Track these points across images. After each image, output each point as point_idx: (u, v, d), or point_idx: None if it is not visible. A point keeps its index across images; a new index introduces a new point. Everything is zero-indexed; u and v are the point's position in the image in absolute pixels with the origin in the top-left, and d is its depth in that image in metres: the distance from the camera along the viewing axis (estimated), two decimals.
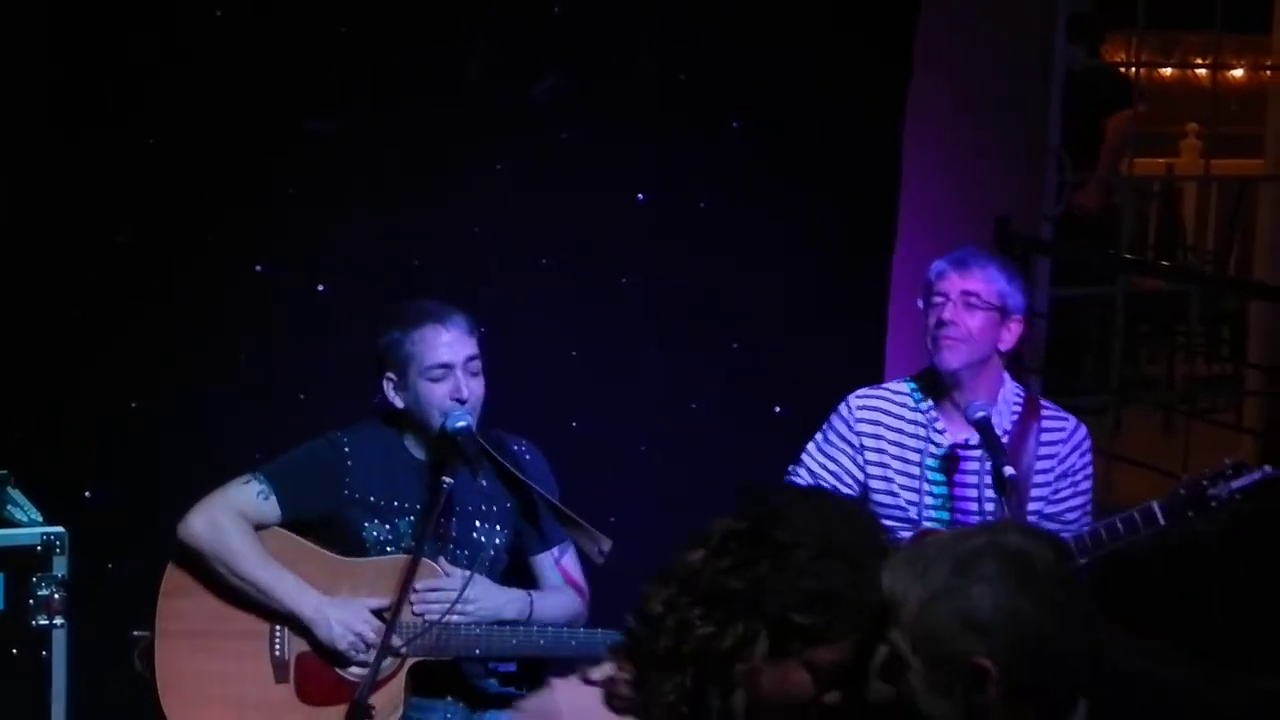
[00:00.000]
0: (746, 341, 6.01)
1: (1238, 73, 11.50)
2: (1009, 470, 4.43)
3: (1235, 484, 4.39)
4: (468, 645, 4.47)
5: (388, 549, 4.51)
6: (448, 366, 4.44)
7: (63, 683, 4.21)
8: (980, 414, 4.56)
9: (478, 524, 4.59)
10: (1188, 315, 8.72)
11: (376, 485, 4.52)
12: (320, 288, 5.52)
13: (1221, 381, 9.69)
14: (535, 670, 4.67)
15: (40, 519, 4.37)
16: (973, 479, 4.67)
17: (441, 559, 4.49)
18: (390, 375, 4.49)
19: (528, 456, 4.65)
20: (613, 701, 2.81)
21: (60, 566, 4.21)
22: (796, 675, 2.75)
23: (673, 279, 5.94)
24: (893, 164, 6.23)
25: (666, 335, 5.93)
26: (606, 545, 4.49)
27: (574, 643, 4.43)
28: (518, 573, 4.66)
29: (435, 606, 4.42)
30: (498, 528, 4.61)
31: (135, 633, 4.53)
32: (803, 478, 4.83)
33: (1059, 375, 7.11)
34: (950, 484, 4.68)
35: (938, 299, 4.64)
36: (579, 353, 5.84)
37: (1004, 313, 4.65)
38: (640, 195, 5.89)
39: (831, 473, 4.77)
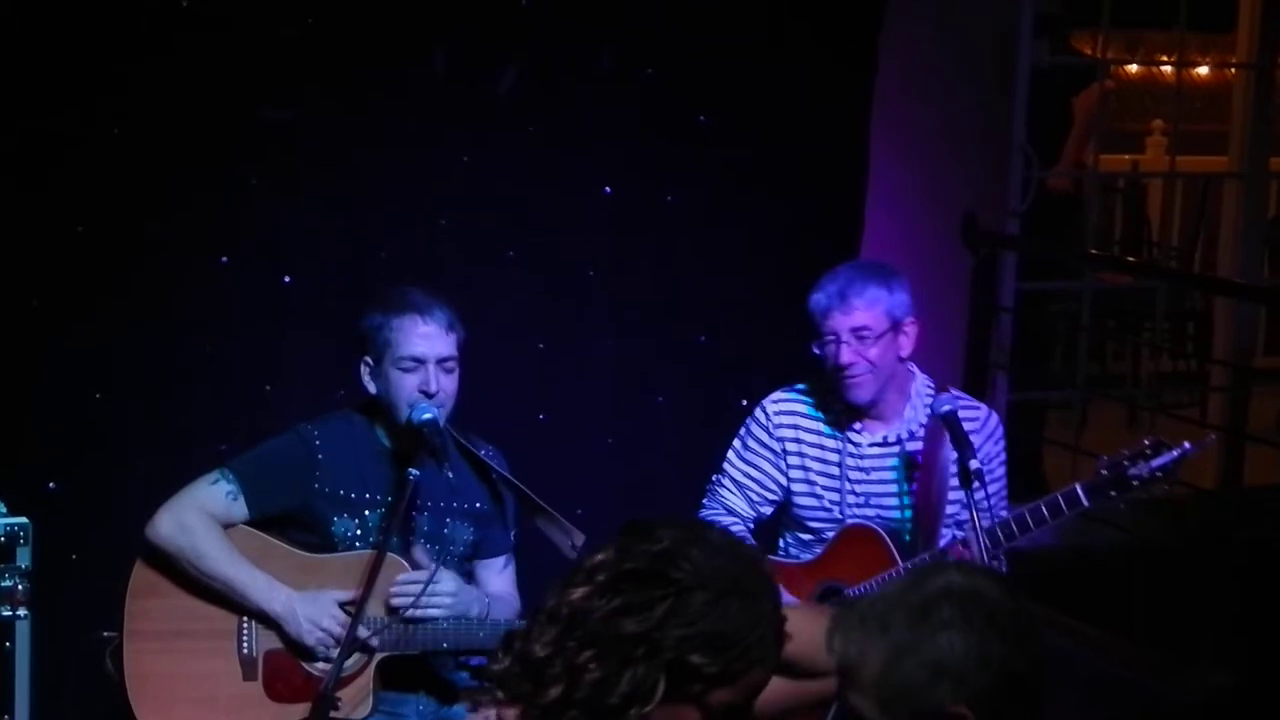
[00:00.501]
0: (713, 335, 6.02)
1: (1203, 70, 11.55)
2: (974, 464, 4.45)
3: (1155, 462, 4.44)
4: (435, 639, 4.46)
5: (356, 544, 4.49)
6: (420, 360, 4.43)
7: (26, 674, 4.19)
8: (946, 408, 4.58)
9: (448, 520, 4.58)
10: (1153, 311, 8.74)
11: (346, 479, 4.50)
12: (286, 279, 5.51)
13: (1186, 377, 9.72)
14: None
15: (3, 510, 4.35)
16: (892, 474, 4.72)
17: (417, 548, 4.47)
18: (367, 359, 4.49)
19: (493, 461, 4.64)
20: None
21: (24, 557, 4.19)
22: (688, 715, 2.67)
23: (639, 272, 5.94)
24: (859, 160, 6.24)
25: (633, 328, 5.93)
26: (580, 539, 4.49)
27: None
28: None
29: (400, 600, 4.41)
30: (466, 524, 4.60)
31: (105, 634, 4.52)
32: (726, 487, 4.86)
33: (1025, 370, 7.12)
34: (871, 481, 4.73)
35: (829, 338, 4.64)
36: (546, 345, 5.84)
37: (896, 327, 4.68)
38: (607, 188, 5.89)
39: (755, 480, 4.80)
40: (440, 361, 4.44)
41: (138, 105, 5.27)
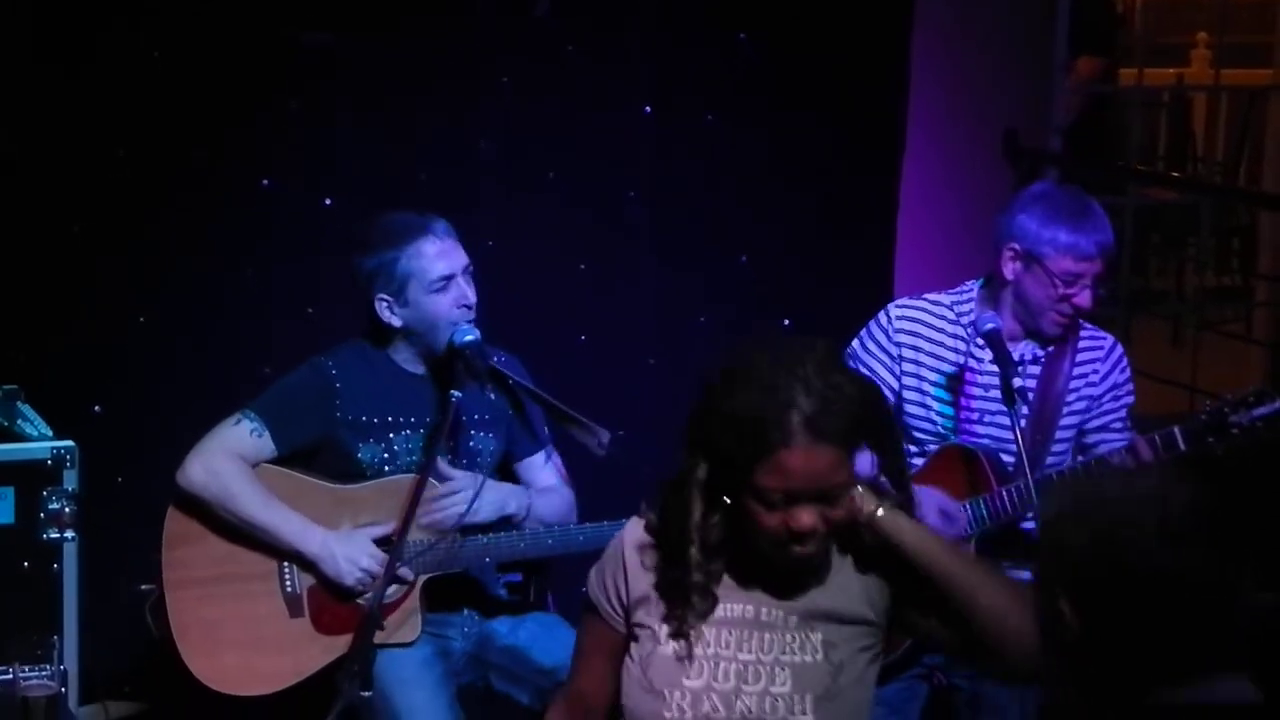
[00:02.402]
0: (754, 255, 6.01)
1: None
2: (1018, 382, 4.43)
3: (1257, 411, 4.39)
4: (478, 554, 4.49)
5: (385, 469, 4.50)
6: (449, 277, 4.43)
7: (74, 595, 4.23)
8: (990, 325, 4.55)
9: (473, 432, 4.59)
10: (1197, 227, 8.69)
11: (368, 405, 4.50)
12: (326, 201, 5.52)
13: (1231, 293, 9.68)
14: (541, 579, 4.71)
15: (50, 433, 4.38)
16: (1014, 395, 4.58)
17: (444, 464, 4.48)
18: (384, 296, 4.44)
19: (506, 366, 4.62)
20: (649, 526, 3.17)
21: (70, 480, 4.23)
22: (749, 503, 3.02)
23: (679, 192, 5.92)
24: (901, 77, 6.20)
25: (674, 249, 5.92)
26: (606, 437, 4.50)
27: (581, 538, 4.45)
28: (506, 479, 4.67)
29: (446, 514, 4.44)
30: (491, 435, 4.61)
31: (143, 587, 4.55)
32: None
33: None
34: (989, 399, 4.61)
35: (1074, 279, 4.50)
36: (587, 266, 5.84)
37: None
38: (646, 108, 5.87)
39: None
40: (465, 270, 4.45)
41: (178, 30, 5.27)
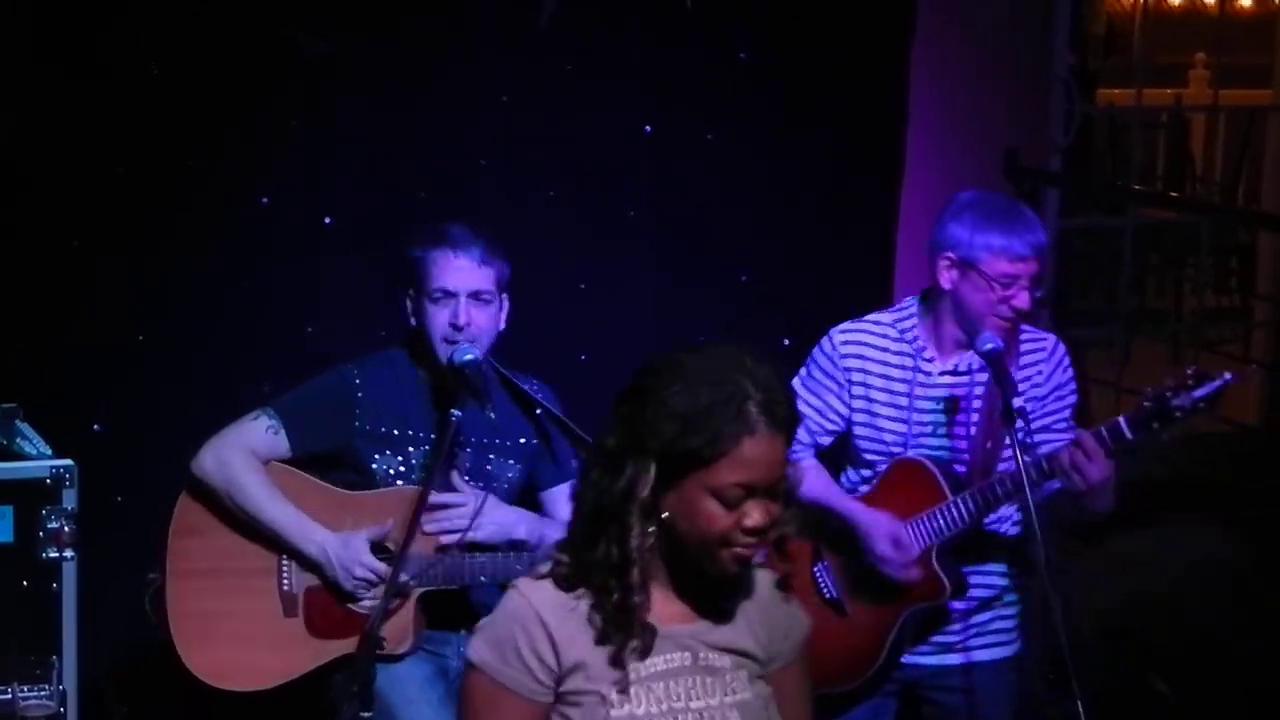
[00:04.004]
0: (754, 273, 6.00)
1: (1246, 2, 11.46)
2: (1018, 402, 4.43)
3: (1197, 393, 4.40)
4: (474, 572, 4.47)
5: (398, 481, 4.51)
6: (449, 293, 4.43)
7: (73, 614, 4.22)
8: (989, 346, 4.55)
9: (491, 457, 4.59)
10: (1196, 246, 8.69)
11: (387, 416, 4.52)
12: (326, 219, 5.51)
13: (1229, 313, 9.68)
14: None
15: (49, 452, 4.37)
16: (960, 404, 4.67)
17: (455, 473, 4.48)
18: (410, 291, 4.50)
19: (538, 395, 4.64)
20: (559, 582, 3.01)
21: (69, 499, 4.21)
22: (703, 504, 2.94)
23: (680, 211, 5.92)
24: (900, 95, 6.20)
25: (674, 267, 5.92)
26: None
27: None
28: (530, 509, 4.67)
29: (447, 524, 4.43)
30: (510, 461, 4.61)
31: (150, 576, 4.56)
32: None
33: (1067, 307, 7.09)
34: (941, 411, 4.67)
35: (1014, 279, 4.51)
36: (586, 285, 5.84)
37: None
38: (647, 127, 5.87)
39: (816, 409, 4.72)
40: (472, 295, 4.44)
41: (177, 46, 5.27)
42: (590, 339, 5.83)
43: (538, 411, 4.59)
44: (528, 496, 4.67)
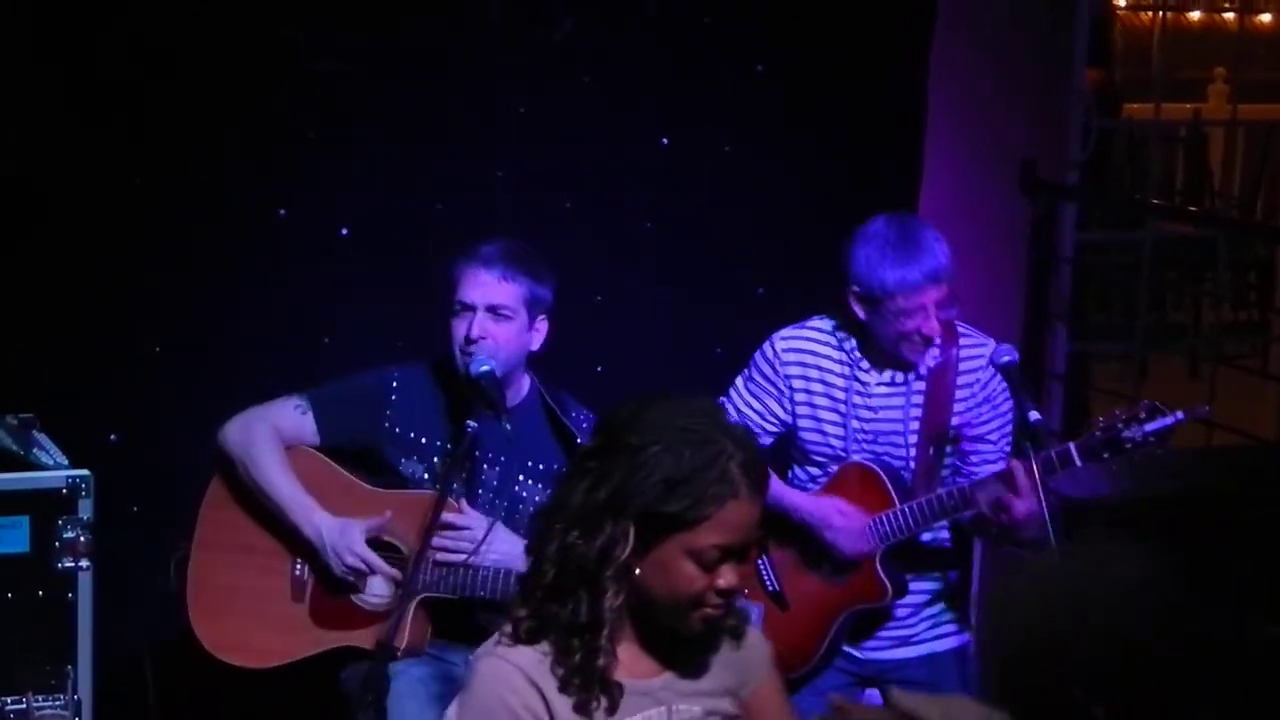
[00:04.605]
0: (771, 285, 6.00)
1: (1265, 17, 11.46)
2: (1034, 415, 4.45)
3: (1149, 427, 4.47)
4: (474, 585, 4.46)
5: (423, 487, 4.53)
6: (468, 306, 4.47)
7: (88, 624, 4.22)
8: (1006, 359, 4.58)
9: (521, 478, 4.60)
10: (1214, 261, 8.67)
11: (418, 423, 4.57)
12: (343, 231, 5.51)
13: (1248, 328, 9.67)
14: None
15: (65, 462, 4.38)
16: (897, 414, 4.74)
17: (463, 500, 4.49)
18: (449, 300, 4.55)
19: (585, 425, 4.64)
20: (525, 637, 2.99)
21: (86, 509, 4.22)
22: (680, 566, 2.92)
23: (697, 223, 5.92)
24: (918, 109, 6.20)
25: (690, 280, 5.91)
26: None
27: None
28: None
29: (449, 544, 4.43)
30: (540, 486, 4.61)
31: (180, 542, 4.61)
32: (729, 413, 4.86)
33: (1084, 321, 7.08)
34: (879, 420, 4.74)
35: (915, 310, 4.57)
36: (603, 297, 5.83)
37: (955, 294, 4.67)
38: (664, 139, 5.87)
39: (757, 411, 4.82)
40: (490, 309, 4.46)
41: (194, 60, 5.27)
42: (606, 350, 5.83)
43: (577, 441, 4.59)
44: None
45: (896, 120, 6.17)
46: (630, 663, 3.03)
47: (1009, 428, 4.78)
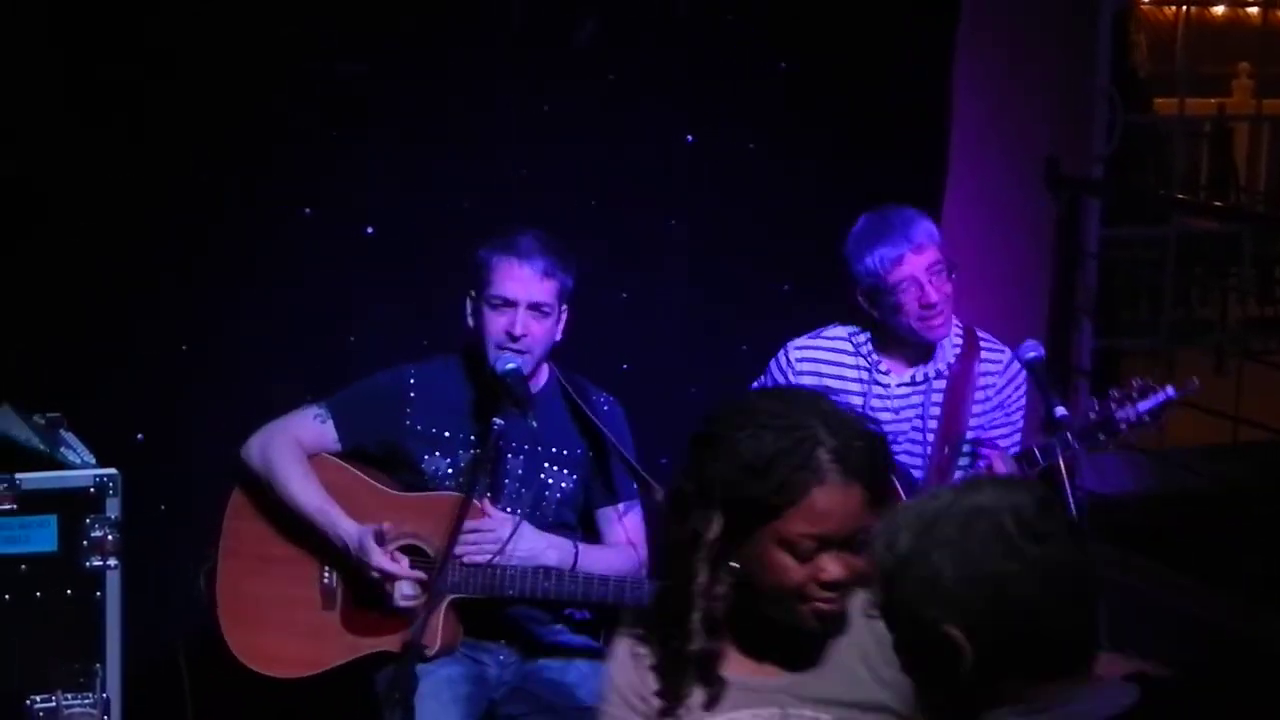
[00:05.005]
0: (797, 283, 5.99)
1: None
2: (1060, 411, 4.45)
3: (1142, 406, 4.51)
4: (500, 584, 4.45)
5: (447, 483, 4.54)
6: (510, 302, 4.45)
7: (116, 623, 4.23)
8: (1031, 355, 4.59)
9: (546, 465, 4.60)
10: (1240, 256, 8.65)
11: (440, 417, 4.56)
12: (368, 230, 5.52)
13: (1274, 323, 9.64)
14: (614, 618, 4.69)
15: (93, 461, 4.39)
16: (915, 413, 4.77)
17: (485, 500, 4.49)
18: (471, 292, 4.54)
19: (606, 409, 4.66)
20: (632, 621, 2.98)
21: (113, 508, 4.22)
22: (774, 557, 2.83)
23: (722, 220, 5.92)
24: (942, 105, 6.19)
25: (716, 277, 5.91)
26: (660, 494, 4.49)
27: (604, 590, 4.38)
28: (586, 522, 4.68)
29: (473, 548, 4.43)
30: (565, 472, 4.62)
31: (207, 551, 4.60)
32: None
33: (1109, 317, 7.06)
34: (900, 420, 4.76)
35: (905, 284, 4.63)
36: (629, 295, 5.83)
37: (951, 262, 4.70)
38: (689, 137, 5.87)
39: None
40: (532, 306, 4.46)
41: (218, 60, 5.28)
42: (632, 348, 5.83)
43: (595, 426, 4.59)
44: (584, 511, 4.70)
45: (921, 116, 6.16)
46: (743, 660, 2.96)
47: (1018, 435, 4.83)
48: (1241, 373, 6.81)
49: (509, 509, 4.53)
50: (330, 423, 4.55)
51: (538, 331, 4.47)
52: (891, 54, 6.04)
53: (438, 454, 4.55)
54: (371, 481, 4.56)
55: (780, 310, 5.97)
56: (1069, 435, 4.50)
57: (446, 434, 4.56)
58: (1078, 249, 6.64)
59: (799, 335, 4.92)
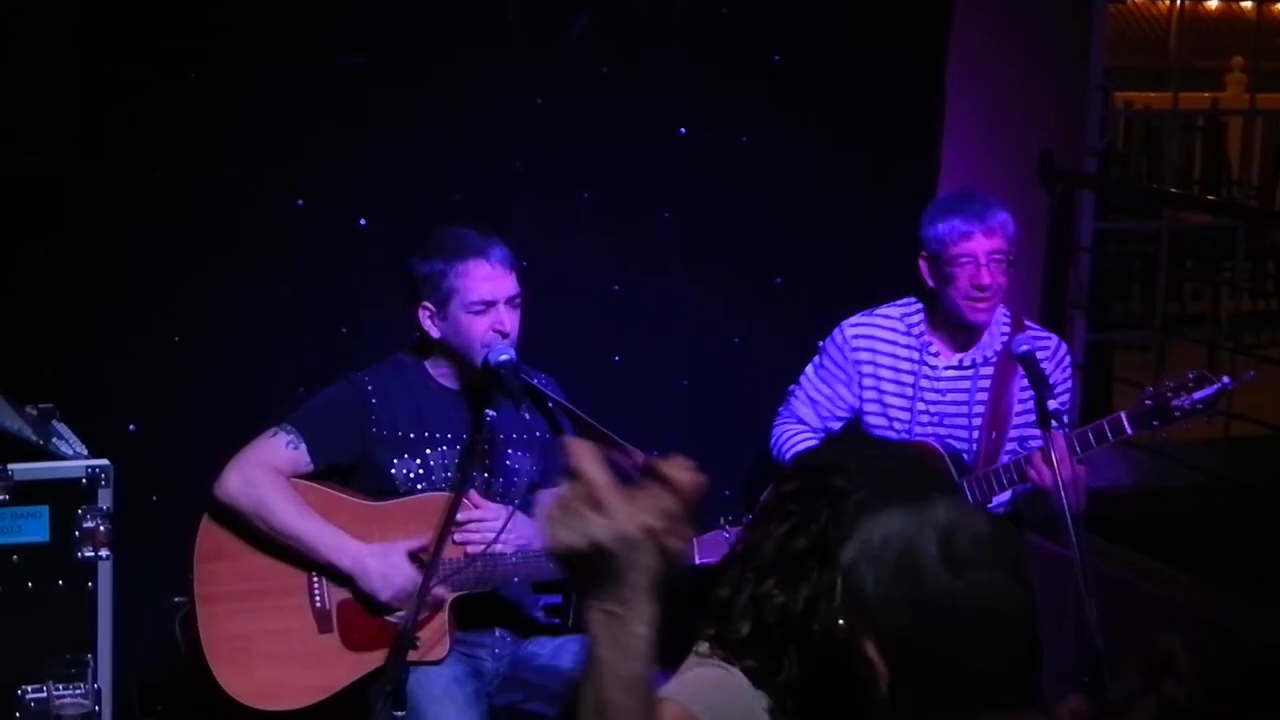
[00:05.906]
0: (789, 276, 6.00)
1: None
2: (1052, 404, 4.48)
3: (1197, 395, 4.58)
4: (506, 574, 4.48)
5: (418, 486, 4.52)
6: (490, 303, 4.45)
7: (108, 614, 4.23)
8: (1024, 348, 4.61)
9: (510, 452, 4.61)
10: (1233, 250, 8.66)
11: (403, 420, 4.54)
12: (361, 222, 5.52)
13: (1267, 317, 9.64)
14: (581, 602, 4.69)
15: (85, 452, 4.39)
16: (964, 398, 4.89)
17: (473, 492, 4.49)
18: (428, 305, 4.50)
19: (548, 385, 4.65)
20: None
21: (105, 499, 4.23)
22: None
23: (714, 213, 5.92)
24: (935, 99, 6.19)
25: (708, 270, 5.91)
26: (639, 457, 4.48)
27: None
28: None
29: (476, 538, 4.43)
30: (526, 454, 4.63)
31: (176, 600, 4.56)
32: (800, 399, 5.08)
33: (1103, 311, 7.06)
34: (945, 403, 4.90)
35: (964, 259, 4.77)
36: (620, 287, 5.83)
37: (1017, 255, 4.86)
38: (681, 130, 5.87)
39: (826, 397, 4.99)
40: (509, 300, 4.46)
41: (214, 51, 5.28)
42: (624, 341, 5.83)
43: (548, 405, 4.58)
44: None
45: (914, 109, 6.16)
46: None
47: (1064, 419, 4.83)
48: (1234, 367, 6.81)
49: (506, 500, 4.55)
50: (303, 447, 4.48)
51: (517, 321, 4.49)
52: (885, 47, 6.04)
53: (405, 456, 4.52)
54: (349, 497, 4.52)
55: (772, 303, 5.97)
56: (1061, 427, 4.52)
57: (411, 435, 4.53)
58: (1071, 243, 6.64)
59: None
